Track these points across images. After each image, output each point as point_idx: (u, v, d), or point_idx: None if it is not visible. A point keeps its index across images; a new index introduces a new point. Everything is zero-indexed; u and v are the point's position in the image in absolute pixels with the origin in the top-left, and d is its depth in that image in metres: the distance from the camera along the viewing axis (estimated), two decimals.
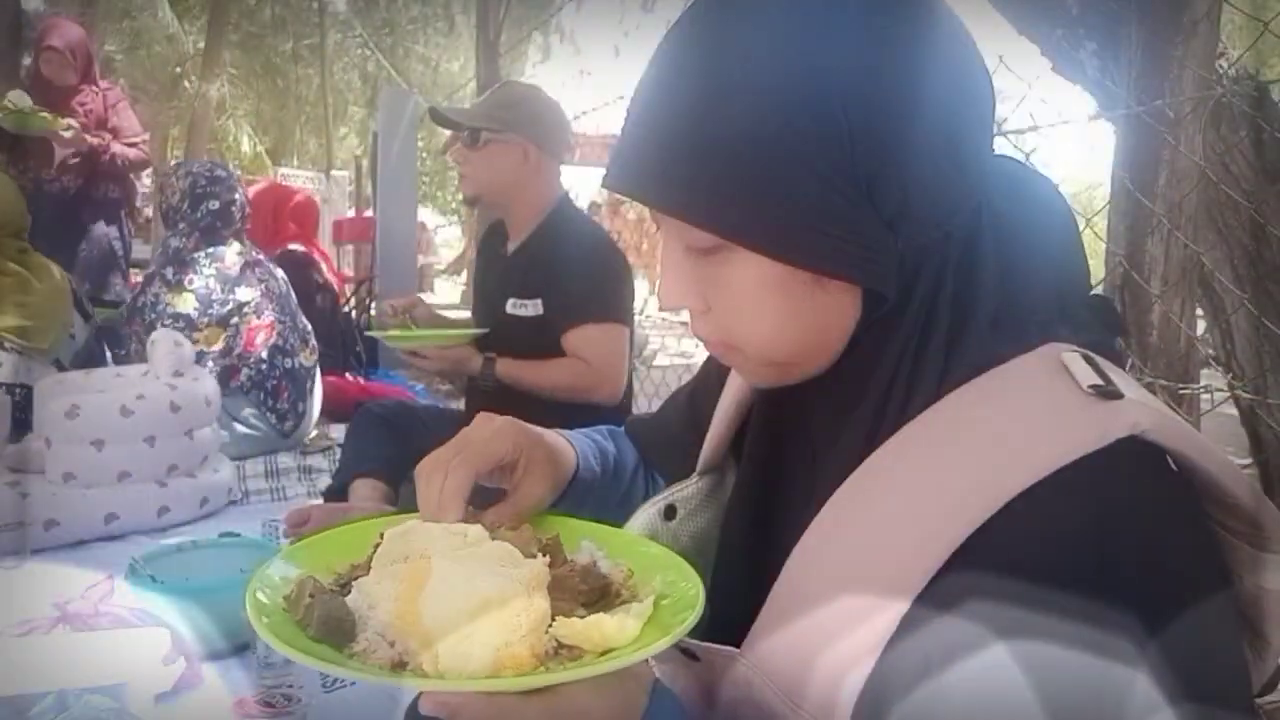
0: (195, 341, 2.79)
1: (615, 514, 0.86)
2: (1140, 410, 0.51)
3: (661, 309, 0.64)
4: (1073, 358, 0.55)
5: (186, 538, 1.87)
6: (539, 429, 0.81)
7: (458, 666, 0.51)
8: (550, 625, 0.55)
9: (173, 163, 3.28)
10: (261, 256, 3.13)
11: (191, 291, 2.87)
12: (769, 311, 0.59)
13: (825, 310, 0.58)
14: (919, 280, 0.58)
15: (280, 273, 3.16)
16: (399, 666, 0.54)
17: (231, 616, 1.49)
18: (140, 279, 3.00)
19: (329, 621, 0.55)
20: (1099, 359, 0.55)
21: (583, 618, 0.56)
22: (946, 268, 0.58)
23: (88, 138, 3.88)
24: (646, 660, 0.59)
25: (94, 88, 4.05)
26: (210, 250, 2.95)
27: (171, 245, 2.95)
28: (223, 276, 2.94)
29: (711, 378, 0.81)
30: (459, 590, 0.53)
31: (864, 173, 0.54)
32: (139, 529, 2.19)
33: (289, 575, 0.61)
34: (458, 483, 0.68)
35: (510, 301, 2.19)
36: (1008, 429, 0.52)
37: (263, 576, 0.61)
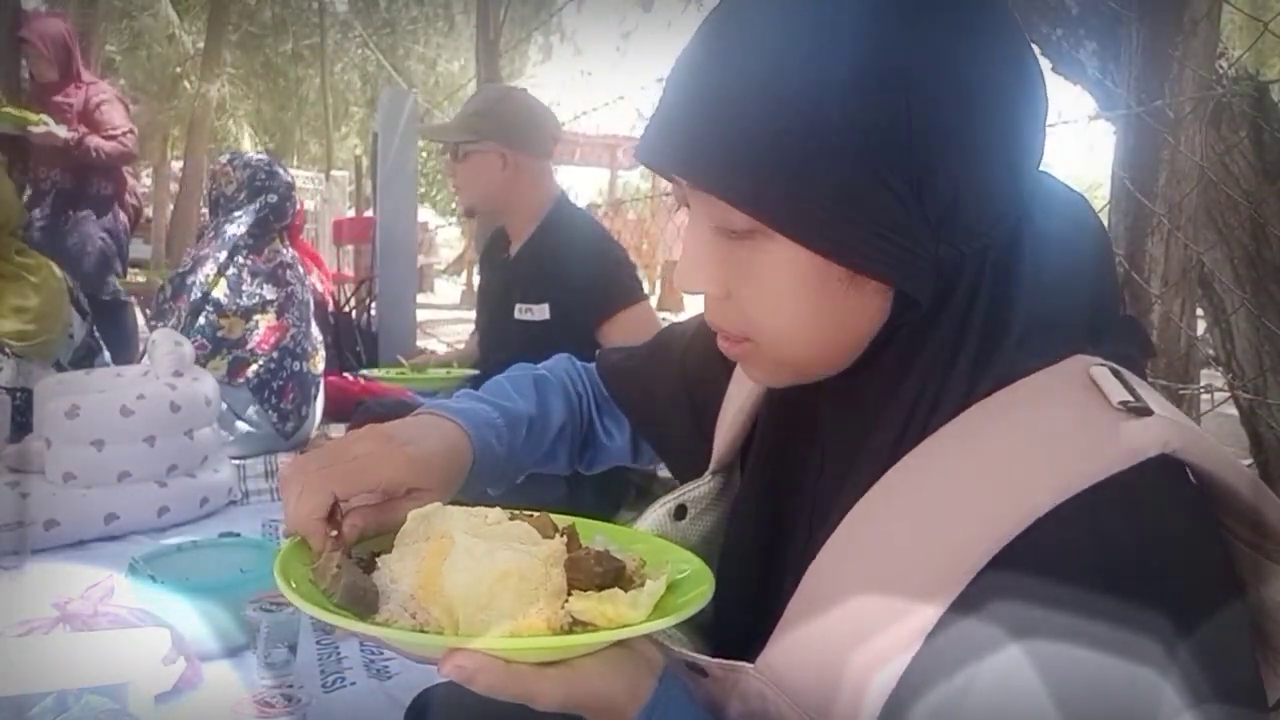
0: (220, 328, 2.90)
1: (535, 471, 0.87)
2: (1170, 428, 0.50)
3: (678, 288, 0.62)
4: (1101, 372, 0.54)
5: (186, 538, 1.87)
6: (425, 440, 0.74)
7: (476, 634, 0.53)
8: (566, 601, 0.56)
9: (225, 156, 3.33)
10: (295, 259, 3.23)
11: (225, 278, 2.96)
12: (796, 304, 0.56)
13: (853, 310, 0.57)
14: (955, 290, 0.56)
15: (309, 279, 3.28)
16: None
17: (232, 616, 1.49)
18: (189, 262, 3.05)
19: (353, 590, 0.57)
20: (1126, 373, 0.54)
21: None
22: (983, 279, 0.56)
23: (59, 133, 3.79)
24: (658, 647, 0.59)
25: (78, 83, 3.98)
26: (253, 242, 3.04)
27: (226, 232, 3.03)
28: (255, 269, 3.03)
29: (710, 354, 0.75)
30: (479, 561, 0.55)
31: (918, 170, 0.52)
32: (139, 529, 2.19)
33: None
34: (312, 504, 0.64)
35: (517, 307, 2.19)
36: (1038, 443, 0.51)
37: (292, 547, 0.64)
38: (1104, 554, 0.48)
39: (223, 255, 2.97)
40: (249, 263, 3.00)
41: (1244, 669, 0.50)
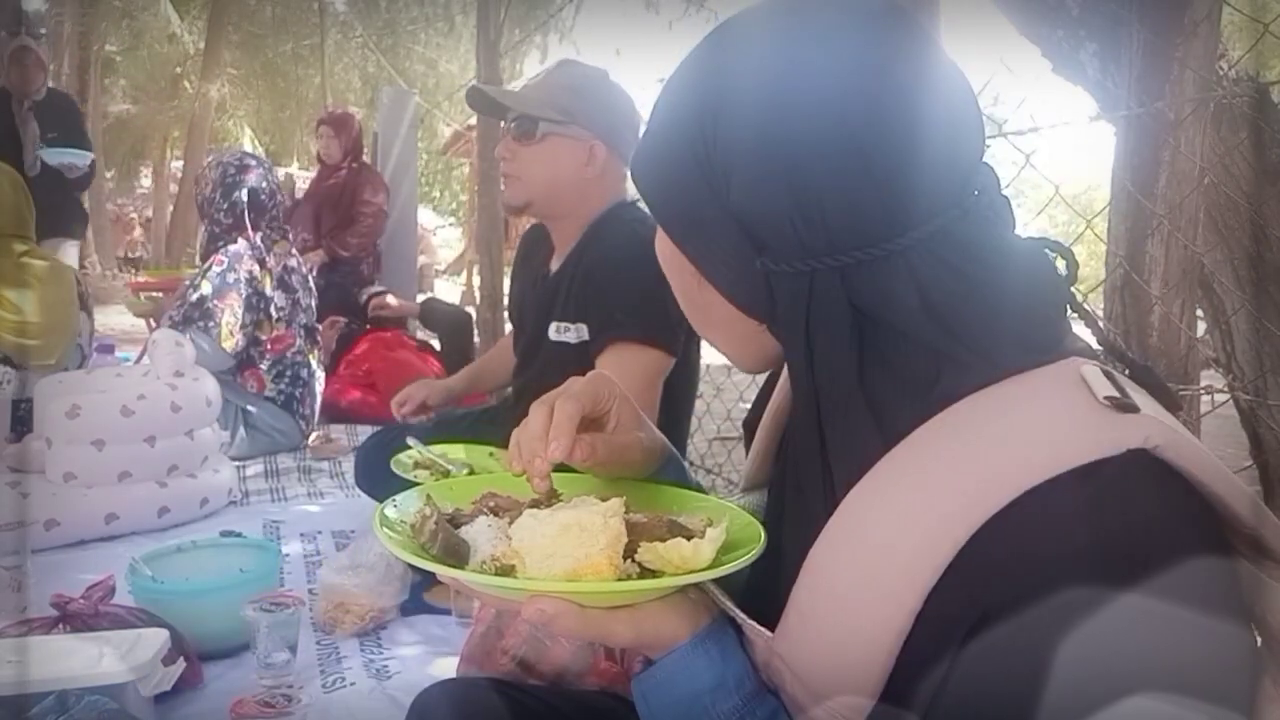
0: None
1: None
2: (1154, 425, 0.52)
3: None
4: (1092, 371, 0.55)
5: (186, 538, 1.88)
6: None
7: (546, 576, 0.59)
8: (636, 552, 0.62)
9: (207, 159, 3.45)
10: (300, 264, 3.31)
11: (273, 278, 3.10)
12: (723, 334, 0.69)
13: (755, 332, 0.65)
14: (893, 300, 0.57)
15: (310, 281, 3.37)
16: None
17: (231, 616, 1.49)
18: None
19: (450, 544, 0.63)
20: (1119, 376, 0.56)
21: None
22: (924, 281, 0.57)
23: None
24: (714, 596, 0.64)
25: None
26: (257, 243, 3.10)
27: (215, 235, 3.08)
28: (275, 274, 3.14)
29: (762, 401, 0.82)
30: (542, 520, 0.61)
31: (721, 175, 0.60)
32: (139, 529, 2.20)
33: (414, 507, 0.69)
34: (566, 413, 0.69)
35: (553, 326, 1.83)
36: (1023, 429, 0.53)
37: (396, 501, 0.71)
38: (1082, 529, 0.49)
39: (240, 260, 3.03)
40: (252, 269, 3.06)
41: (1227, 666, 0.50)
